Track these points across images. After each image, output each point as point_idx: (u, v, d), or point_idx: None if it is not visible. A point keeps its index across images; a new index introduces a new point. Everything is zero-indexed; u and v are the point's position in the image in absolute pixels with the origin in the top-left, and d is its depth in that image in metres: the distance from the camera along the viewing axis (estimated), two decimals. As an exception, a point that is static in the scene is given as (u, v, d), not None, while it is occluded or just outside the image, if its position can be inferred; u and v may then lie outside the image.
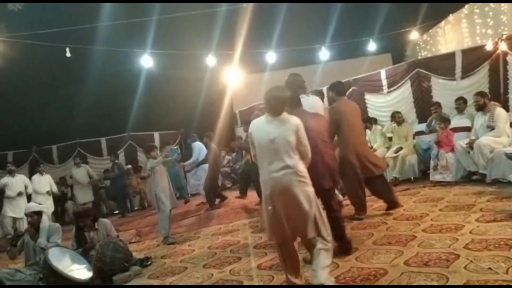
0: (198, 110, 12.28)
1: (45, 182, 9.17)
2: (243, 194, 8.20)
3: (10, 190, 8.42)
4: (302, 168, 3.06)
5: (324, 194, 3.68)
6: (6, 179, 8.55)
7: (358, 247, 3.98)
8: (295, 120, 3.10)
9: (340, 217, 3.92)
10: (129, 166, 11.34)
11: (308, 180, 3.07)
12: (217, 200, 8.72)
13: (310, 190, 3.06)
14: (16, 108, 11.97)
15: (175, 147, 6.33)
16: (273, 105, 3.12)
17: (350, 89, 8.89)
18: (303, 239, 3.15)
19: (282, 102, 3.13)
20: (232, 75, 11.05)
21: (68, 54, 7.95)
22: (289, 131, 3.03)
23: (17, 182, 8.60)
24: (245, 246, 4.94)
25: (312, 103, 4.26)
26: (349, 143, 4.98)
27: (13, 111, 11.88)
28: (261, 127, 3.15)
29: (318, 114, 3.95)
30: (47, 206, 8.35)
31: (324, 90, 7.82)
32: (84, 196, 10.43)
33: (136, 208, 10.91)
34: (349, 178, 5.01)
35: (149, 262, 4.87)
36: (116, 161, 10.83)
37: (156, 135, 12.79)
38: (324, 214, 3.24)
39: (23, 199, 8.57)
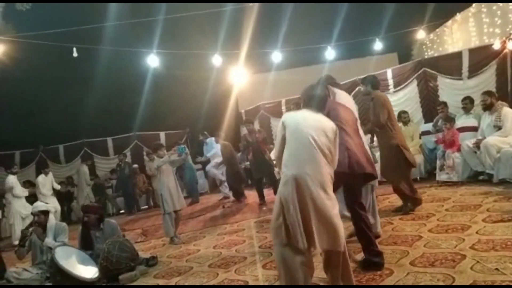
0: (204, 110, 12.29)
1: (49, 182, 9.19)
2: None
3: (19, 190, 8.55)
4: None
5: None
6: (13, 179, 8.64)
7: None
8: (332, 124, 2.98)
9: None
10: (135, 165, 11.39)
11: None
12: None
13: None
14: (23, 108, 12.06)
15: (183, 146, 6.21)
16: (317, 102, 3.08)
17: (356, 89, 8.86)
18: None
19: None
20: (238, 75, 11.06)
21: (75, 54, 7.99)
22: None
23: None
24: (250, 245, 4.95)
25: (345, 97, 4.20)
26: (398, 132, 5.00)
27: (20, 111, 11.97)
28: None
29: (346, 106, 3.82)
30: (54, 205, 8.45)
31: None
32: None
33: (142, 207, 10.94)
34: (402, 167, 4.90)
35: (155, 262, 4.88)
36: (126, 160, 10.94)
37: (162, 135, 12.85)
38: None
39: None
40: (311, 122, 2.89)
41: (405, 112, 7.77)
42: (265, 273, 3.79)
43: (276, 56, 10.59)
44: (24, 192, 8.81)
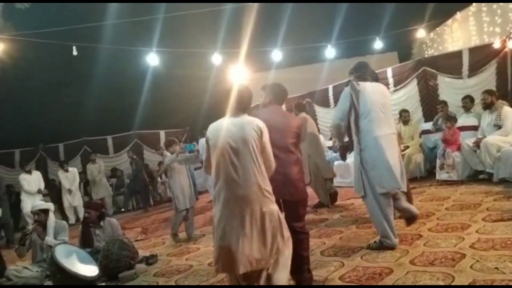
0: (204, 109, 12.30)
1: (34, 180, 8.92)
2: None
3: (30, 186, 8.61)
4: None
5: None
6: (24, 176, 8.67)
7: (363, 246, 3.98)
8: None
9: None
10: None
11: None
12: None
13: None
14: (23, 106, 12.09)
15: (193, 144, 6.13)
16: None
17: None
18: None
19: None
20: (238, 74, 11.04)
21: (74, 52, 7.97)
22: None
23: (34, 179, 8.73)
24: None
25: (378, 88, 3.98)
26: None
27: (20, 109, 12.00)
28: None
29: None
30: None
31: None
32: (98, 192, 10.45)
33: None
34: None
35: (155, 260, 4.90)
36: (134, 157, 10.97)
37: (162, 133, 12.86)
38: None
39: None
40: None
41: (405, 111, 7.76)
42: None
43: (276, 55, 10.57)
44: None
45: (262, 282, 2.61)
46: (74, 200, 9.86)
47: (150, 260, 4.85)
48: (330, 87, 9.98)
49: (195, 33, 10.74)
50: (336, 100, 8.29)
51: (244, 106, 2.80)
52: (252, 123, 2.68)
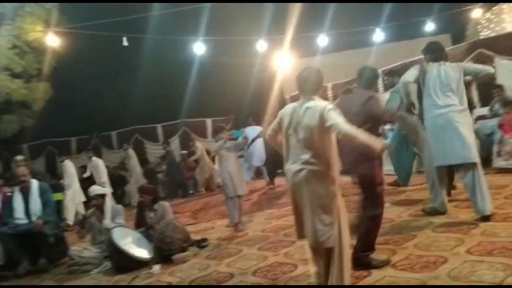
0: (249, 96, 12.38)
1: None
2: None
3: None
4: None
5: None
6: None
7: (416, 235, 3.89)
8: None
9: None
10: (184, 151, 11.70)
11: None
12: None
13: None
14: (78, 97, 12.69)
15: (240, 131, 6.06)
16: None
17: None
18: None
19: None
20: (283, 60, 10.98)
21: (125, 43, 8.24)
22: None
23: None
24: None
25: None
26: None
27: (75, 99, 12.59)
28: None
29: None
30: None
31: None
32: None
33: (190, 192, 11.21)
34: None
35: (206, 244, 5.04)
36: (168, 148, 11.28)
37: (209, 122, 13.09)
38: None
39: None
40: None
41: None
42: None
43: (322, 40, 10.38)
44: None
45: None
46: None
47: (201, 243, 5.00)
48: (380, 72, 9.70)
49: (240, 20, 10.77)
50: (385, 86, 8.08)
51: (313, 90, 2.87)
52: (319, 107, 2.72)
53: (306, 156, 2.72)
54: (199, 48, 9.50)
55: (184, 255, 4.55)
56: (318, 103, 2.77)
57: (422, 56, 4.71)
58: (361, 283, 3.00)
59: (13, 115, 9.87)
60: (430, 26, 11.14)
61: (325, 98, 10.18)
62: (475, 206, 3.93)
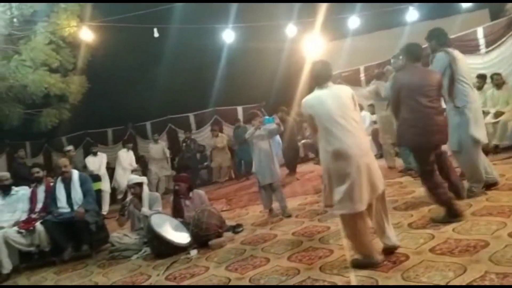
0: (278, 82, 12.29)
1: (98, 162, 9.35)
2: None
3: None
4: None
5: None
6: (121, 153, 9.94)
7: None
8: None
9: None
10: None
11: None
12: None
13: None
14: (113, 88, 12.97)
15: (271, 117, 5.70)
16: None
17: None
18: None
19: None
20: (312, 44, 10.80)
21: (156, 34, 8.34)
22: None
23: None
24: (333, 215, 4.95)
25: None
26: None
27: (110, 92, 12.87)
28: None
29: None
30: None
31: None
32: (160, 171, 11.02)
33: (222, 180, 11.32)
34: None
35: (241, 229, 5.12)
36: (192, 137, 11.57)
37: (240, 109, 13.13)
38: None
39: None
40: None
41: (497, 74, 7.12)
42: (350, 242, 3.79)
43: (353, 22, 10.11)
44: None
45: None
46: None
47: (236, 229, 5.07)
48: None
49: (268, 5, 10.66)
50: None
51: (327, 79, 3.22)
52: (347, 91, 3.18)
53: (354, 132, 3.06)
54: (228, 35, 9.49)
55: (220, 241, 4.63)
56: (336, 86, 3.26)
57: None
58: (400, 267, 2.96)
59: (52, 108, 10.24)
60: (466, 2, 10.64)
61: (357, 81, 10.02)
62: None
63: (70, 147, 8.46)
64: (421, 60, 3.94)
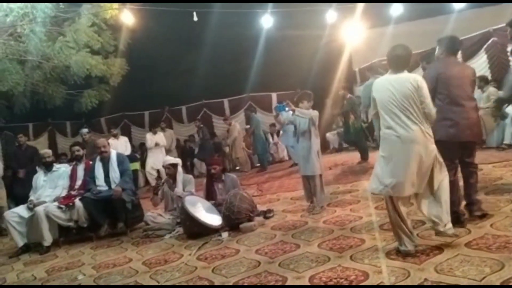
0: (315, 69, 12.10)
1: (120, 145, 9.39)
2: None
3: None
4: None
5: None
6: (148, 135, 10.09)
7: (494, 214, 3.67)
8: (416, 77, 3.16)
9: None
10: (248, 126, 11.91)
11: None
12: None
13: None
14: (151, 72, 13.22)
15: (283, 104, 5.04)
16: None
17: (490, 41, 7.89)
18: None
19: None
20: (352, 31, 10.54)
21: (195, 18, 8.38)
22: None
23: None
24: (365, 206, 4.90)
25: None
26: None
27: (148, 75, 13.14)
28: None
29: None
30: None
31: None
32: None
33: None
34: None
35: (272, 215, 5.14)
36: (201, 126, 11.68)
37: (274, 96, 13.07)
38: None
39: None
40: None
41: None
42: (382, 233, 3.74)
43: (396, 9, 9.76)
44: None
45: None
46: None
47: (267, 214, 5.10)
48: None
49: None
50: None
51: (403, 65, 3.19)
52: (410, 78, 3.11)
53: (408, 120, 3.06)
54: (267, 21, 9.41)
55: (251, 224, 4.67)
56: (408, 74, 3.18)
57: (504, 24, 4.42)
58: (433, 260, 2.90)
59: (93, 89, 10.54)
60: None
61: (430, 57, 9.70)
62: None
63: (86, 130, 8.64)
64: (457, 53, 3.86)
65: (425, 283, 2.57)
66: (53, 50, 8.49)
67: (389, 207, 3.17)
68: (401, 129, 3.07)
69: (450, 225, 3.10)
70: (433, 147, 3.11)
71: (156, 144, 10.08)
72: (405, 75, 3.17)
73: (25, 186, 6.52)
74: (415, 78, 3.12)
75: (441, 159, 3.17)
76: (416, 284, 2.58)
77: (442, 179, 3.16)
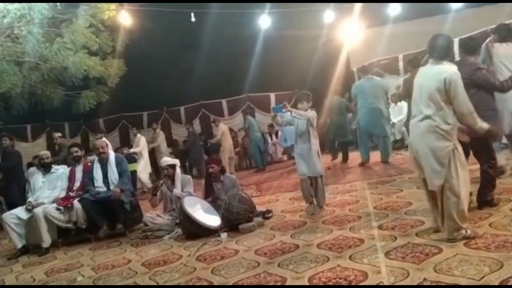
0: (313, 69, 12.12)
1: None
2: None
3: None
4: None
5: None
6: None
7: (492, 213, 3.68)
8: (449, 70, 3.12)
9: None
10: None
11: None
12: None
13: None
14: (149, 73, 13.21)
15: (279, 105, 4.86)
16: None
17: (487, 40, 7.88)
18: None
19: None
20: (350, 30, 10.55)
21: (193, 19, 8.39)
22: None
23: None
24: (364, 206, 4.90)
25: None
26: None
27: (146, 76, 13.13)
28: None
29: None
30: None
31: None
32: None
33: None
34: None
35: (271, 215, 5.14)
36: (190, 129, 11.60)
37: (272, 96, 13.09)
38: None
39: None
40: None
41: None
42: (381, 233, 3.74)
43: (394, 8, 9.78)
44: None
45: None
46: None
47: (266, 214, 5.10)
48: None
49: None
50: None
51: (441, 55, 3.18)
52: (442, 74, 3.07)
53: (430, 111, 3.13)
54: (264, 21, 9.42)
55: (250, 225, 4.67)
56: (444, 68, 3.13)
57: (507, 22, 4.50)
58: (432, 260, 2.90)
59: (91, 90, 10.54)
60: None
61: (396, 69, 9.73)
62: None
63: (58, 134, 8.63)
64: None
65: (424, 283, 2.57)
66: (50, 51, 8.49)
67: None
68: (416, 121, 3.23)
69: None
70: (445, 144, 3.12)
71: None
72: (439, 67, 3.14)
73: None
74: (448, 72, 3.06)
75: (462, 157, 3.17)
76: (415, 284, 2.58)
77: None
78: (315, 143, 5.02)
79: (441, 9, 10.78)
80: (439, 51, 3.16)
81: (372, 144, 8.80)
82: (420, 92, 3.19)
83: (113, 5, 8.89)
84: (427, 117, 3.13)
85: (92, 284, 3.82)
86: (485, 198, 3.86)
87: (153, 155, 10.42)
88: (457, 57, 6.46)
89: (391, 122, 8.76)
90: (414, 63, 6.41)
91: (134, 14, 8.89)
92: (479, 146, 3.74)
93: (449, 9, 10.34)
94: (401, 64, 9.83)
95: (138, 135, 9.69)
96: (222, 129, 10.64)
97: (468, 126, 3.21)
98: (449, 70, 3.09)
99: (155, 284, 3.51)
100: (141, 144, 9.44)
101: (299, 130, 5.07)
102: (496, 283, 2.40)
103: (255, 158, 10.67)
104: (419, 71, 3.36)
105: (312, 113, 4.98)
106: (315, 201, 5.08)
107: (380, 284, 2.69)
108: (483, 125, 3.17)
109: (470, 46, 4.01)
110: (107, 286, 3.72)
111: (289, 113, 4.90)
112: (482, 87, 3.77)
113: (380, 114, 7.64)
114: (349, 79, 11.88)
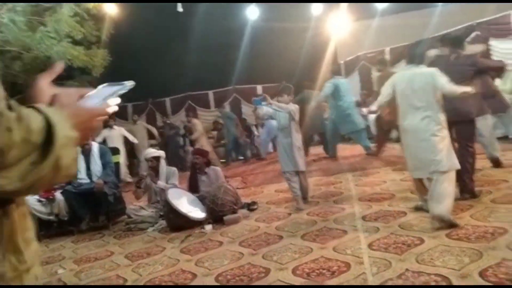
0: (301, 62, 12.09)
1: (116, 136, 9.47)
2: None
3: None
4: None
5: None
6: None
7: (473, 205, 3.73)
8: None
9: None
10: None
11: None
12: None
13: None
14: (134, 63, 13.01)
15: (259, 98, 4.81)
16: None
17: (473, 34, 7.98)
18: None
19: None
20: (338, 23, 10.55)
21: (179, 9, 8.28)
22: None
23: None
24: (348, 197, 4.93)
25: None
26: None
27: (131, 66, 12.90)
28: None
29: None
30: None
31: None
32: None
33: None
34: None
35: (256, 207, 5.13)
36: (168, 121, 11.46)
37: (259, 88, 13.05)
38: None
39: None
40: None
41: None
42: (364, 224, 3.76)
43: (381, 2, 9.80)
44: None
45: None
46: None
47: (251, 206, 5.09)
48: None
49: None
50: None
51: (421, 60, 3.62)
52: (428, 74, 3.51)
53: (423, 109, 3.49)
54: (252, 12, 9.35)
55: (235, 217, 4.66)
56: (426, 70, 3.57)
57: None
58: (414, 250, 2.93)
59: (75, 81, 10.32)
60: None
61: (383, 63, 9.77)
62: None
63: None
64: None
65: (406, 273, 2.59)
66: (33, 40, 8.28)
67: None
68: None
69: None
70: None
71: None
72: (421, 70, 3.57)
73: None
74: (431, 72, 3.52)
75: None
76: (397, 274, 2.60)
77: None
78: (297, 137, 4.86)
79: (428, 3, 10.83)
80: (420, 57, 3.62)
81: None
82: (410, 95, 3.55)
83: (98, -6, 8.72)
84: (426, 116, 3.47)
85: (92, 284, 3.77)
86: (468, 187, 3.95)
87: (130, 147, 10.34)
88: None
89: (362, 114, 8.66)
90: (383, 64, 6.68)
91: (120, 3, 8.73)
92: (465, 127, 3.98)
93: (436, 4, 10.39)
94: (388, 57, 9.85)
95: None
96: (199, 125, 10.30)
97: (463, 98, 3.58)
98: (430, 70, 3.55)
99: (139, 276, 3.47)
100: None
101: (281, 125, 4.93)
102: (476, 273, 2.43)
103: (229, 152, 10.53)
104: (399, 76, 3.70)
105: (294, 107, 4.85)
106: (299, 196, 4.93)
107: (363, 273, 2.71)
108: (467, 89, 3.48)
109: (458, 39, 4.26)
110: (107, 286, 3.65)
111: (270, 106, 4.79)
112: (487, 70, 4.32)
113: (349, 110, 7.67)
114: (336, 72, 11.90)
